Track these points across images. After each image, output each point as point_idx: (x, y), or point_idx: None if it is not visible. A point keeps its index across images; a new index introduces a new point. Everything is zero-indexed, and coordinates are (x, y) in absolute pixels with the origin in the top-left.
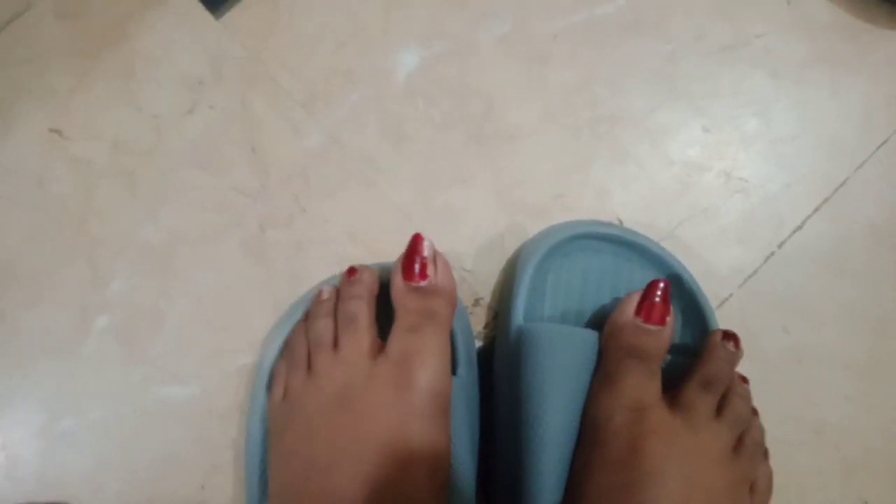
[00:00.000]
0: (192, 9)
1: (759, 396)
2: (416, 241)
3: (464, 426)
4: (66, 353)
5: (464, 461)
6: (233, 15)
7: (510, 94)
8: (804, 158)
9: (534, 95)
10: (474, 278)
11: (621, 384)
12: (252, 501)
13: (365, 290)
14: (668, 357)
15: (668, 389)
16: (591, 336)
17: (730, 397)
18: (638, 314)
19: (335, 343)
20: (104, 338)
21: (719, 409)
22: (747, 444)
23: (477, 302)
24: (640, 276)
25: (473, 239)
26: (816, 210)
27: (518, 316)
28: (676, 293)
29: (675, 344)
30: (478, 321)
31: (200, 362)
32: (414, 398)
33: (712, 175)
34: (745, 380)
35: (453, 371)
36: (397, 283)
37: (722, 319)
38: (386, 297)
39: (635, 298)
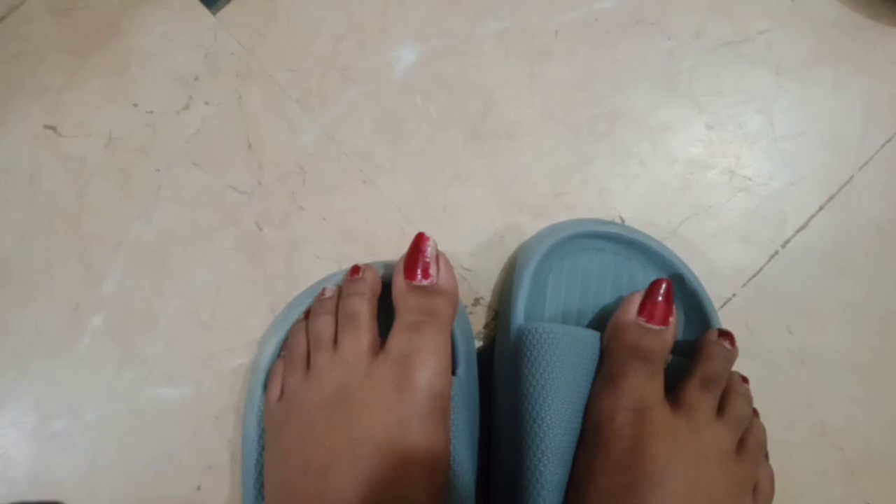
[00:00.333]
0: (187, 4)
1: (762, 397)
2: (419, 240)
3: (463, 427)
4: (60, 353)
5: (463, 462)
6: (229, 10)
7: (509, 91)
8: (808, 156)
9: (533, 92)
10: (474, 277)
11: (624, 384)
12: (248, 502)
13: (367, 288)
14: (671, 357)
15: (669, 390)
16: (592, 336)
17: (731, 397)
18: (641, 314)
19: (335, 341)
20: (98, 337)
21: (721, 408)
22: (750, 445)
23: (477, 301)
24: (641, 276)
25: (473, 238)
26: (821, 209)
27: (518, 316)
28: (679, 293)
29: (678, 343)
30: (477, 321)
31: (195, 362)
32: (413, 398)
33: (715, 173)
34: (745, 379)
35: (453, 371)
36: (399, 281)
37: (725, 319)
38: (388, 297)
39: (638, 298)
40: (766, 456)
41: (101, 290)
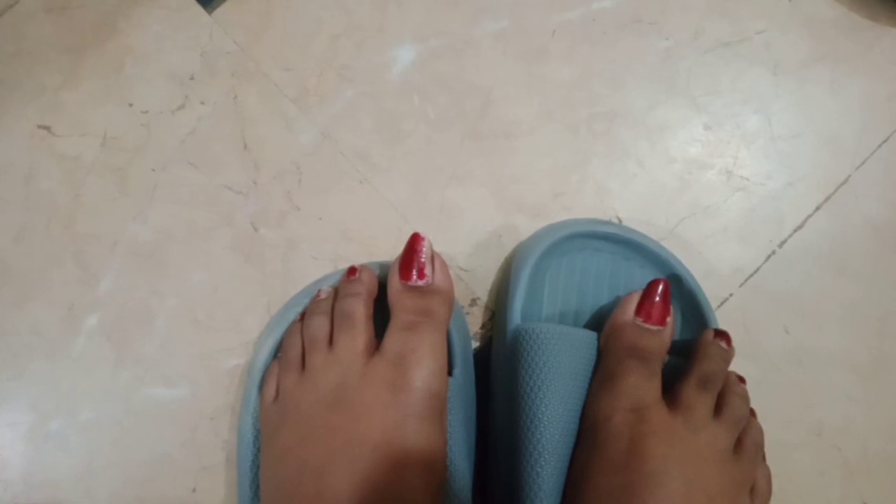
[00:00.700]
0: (183, 3)
1: (760, 397)
2: (414, 240)
3: (460, 427)
4: (55, 354)
5: (460, 463)
6: (225, 9)
7: (507, 91)
8: (805, 156)
9: (531, 92)
10: (471, 277)
11: (621, 384)
12: (244, 503)
13: (363, 289)
14: (668, 357)
15: (666, 390)
16: (589, 336)
17: (728, 397)
18: (638, 314)
19: (330, 341)
20: (93, 337)
21: (718, 408)
22: (747, 445)
23: (473, 301)
24: (639, 276)
25: (470, 238)
26: (818, 209)
27: (515, 316)
28: (676, 293)
29: (675, 343)
30: (474, 321)
31: (191, 362)
32: (409, 398)
33: (713, 173)
34: (742, 379)
35: (449, 371)
36: (394, 282)
37: (722, 319)
38: (384, 298)
39: (635, 298)
40: (764, 456)
41: (96, 290)
